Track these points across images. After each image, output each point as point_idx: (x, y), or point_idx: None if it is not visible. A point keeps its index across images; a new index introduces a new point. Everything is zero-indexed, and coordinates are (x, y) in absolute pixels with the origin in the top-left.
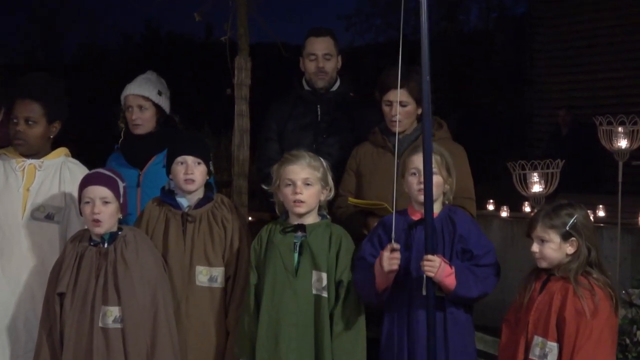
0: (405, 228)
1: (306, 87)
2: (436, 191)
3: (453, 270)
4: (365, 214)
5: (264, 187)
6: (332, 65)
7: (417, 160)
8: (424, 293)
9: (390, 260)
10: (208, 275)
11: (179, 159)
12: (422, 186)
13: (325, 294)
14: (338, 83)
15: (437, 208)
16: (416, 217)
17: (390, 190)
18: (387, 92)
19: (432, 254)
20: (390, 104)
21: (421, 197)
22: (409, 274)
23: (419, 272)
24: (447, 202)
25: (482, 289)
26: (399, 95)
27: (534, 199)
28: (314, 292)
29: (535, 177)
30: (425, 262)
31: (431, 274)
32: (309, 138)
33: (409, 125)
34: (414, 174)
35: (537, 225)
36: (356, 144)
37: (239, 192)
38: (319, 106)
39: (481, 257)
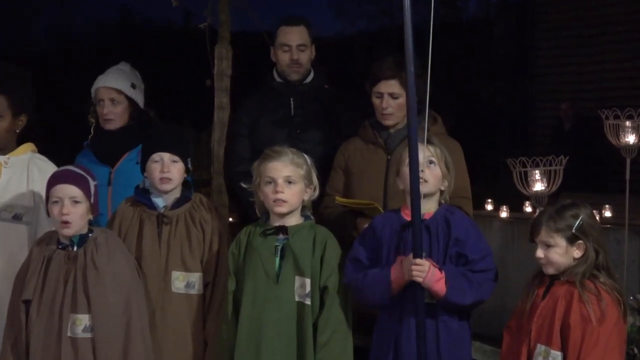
0: (397, 229)
1: (278, 79)
2: (435, 184)
3: (443, 275)
4: (354, 214)
5: (243, 185)
6: (306, 56)
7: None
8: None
9: (413, 268)
10: (185, 281)
11: (155, 156)
12: (420, 180)
13: (308, 301)
14: (312, 75)
15: (432, 207)
16: (409, 216)
17: (382, 189)
18: (377, 83)
19: (421, 257)
20: (381, 95)
21: (422, 190)
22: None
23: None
24: (443, 201)
25: (477, 296)
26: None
27: (536, 199)
28: (296, 299)
29: (537, 174)
30: (413, 267)
31: (419, 279)
32: (282, 133)
33: (401, 119)
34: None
35: (541, 229)
36: (336, 138)
37: (219, 191)
38: (292, 99)
39: (477, 262)
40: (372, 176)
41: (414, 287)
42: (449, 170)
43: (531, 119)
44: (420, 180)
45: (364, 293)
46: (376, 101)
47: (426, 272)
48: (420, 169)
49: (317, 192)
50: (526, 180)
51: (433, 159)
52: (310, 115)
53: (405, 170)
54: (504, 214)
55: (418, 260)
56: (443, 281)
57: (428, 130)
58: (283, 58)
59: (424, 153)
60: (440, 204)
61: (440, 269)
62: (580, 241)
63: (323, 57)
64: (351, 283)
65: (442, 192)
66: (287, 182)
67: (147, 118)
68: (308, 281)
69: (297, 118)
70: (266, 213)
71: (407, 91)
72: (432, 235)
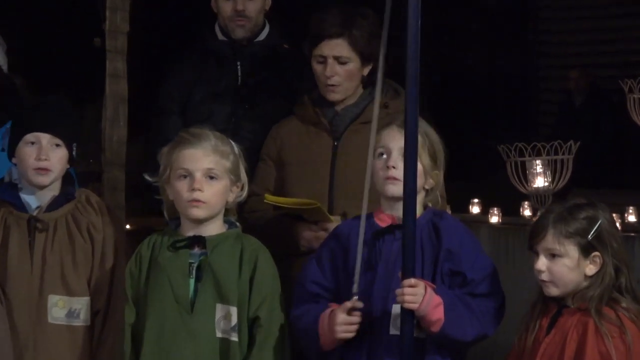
0: (368, 239)
1: (220, 37)
2: None
3: (442, 300)
4: (291, 219)
5: (147, 177)
6: (256, 6)
7: (388, 136)
8: (394, 332)
9: (347, 326)
10: (66, 309)
11: (29, 137)
12: (394, 172)
13: (235, 337)
14: (266, 31)
15: None
16: (385, 222)
17: (326, 185)
18: (319, 43)
19: (413, 276)
20: (323, 60)
21: (392, 190)
22: (371, 304)
23: (387, 303)
24: (429, 204)
25: (480, 329)
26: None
27: (537, 198)
28: (219, 334)
29: (538, 166)
30: (405, 290)
31: (413, 306)
32: (225, 110)
33: (351, 91)
34: (382, 155)
35: (546, 233)
36: None
37: (113, 188)
38: (239, 64)
39: (477, 283)
40: (313, 168)
41: (389, 316)
42: (436, 161)
43: (531, 93)
44: (390, 178)
45: (301, 341)
46: (318, 68)
47: (422, 295)
48: (392, 163)
49: (245, 192)
50: (524, 174)
51: None
52: (263, 85)
53: (375, 162)
54: (494, 218)
55: (411, 281)
56: (442, 308)
57: (385, 107)
58: (225, 7)
59: (384, 139)
60: (425, 207)
61: (436, 292)
62: (597, 253)
63: (282, 7)
64: (292, 320)
65: (428, 191)
66: (207, 177)
67: (11, 87)
68: (234, 310)
69: (245, 90)
70: (177, 218)
71: (407, 55)
72: (417, 247)
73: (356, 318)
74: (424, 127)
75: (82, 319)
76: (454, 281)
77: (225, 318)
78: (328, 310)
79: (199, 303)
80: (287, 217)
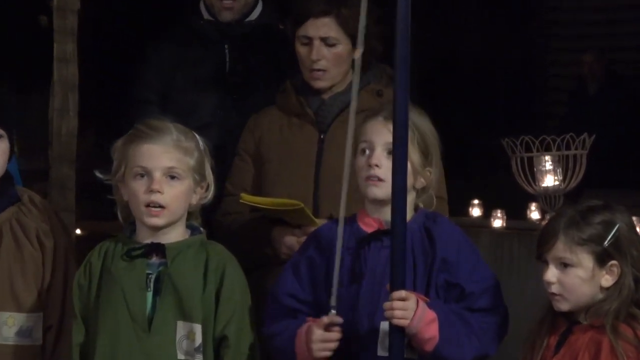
0: (352, 246)
1: (206, 16)
2: None
3: (436, 315)
4: (269, 222)
5: (98, 174)
6: None
7: (372, 130)
8: (382, 353)
9: (324, 343)
10: (17, 327)
11: None
12: (377, 171)
13: (200, 359)
14: (259, 9)
15: None
16: (371, 227)
17: (311, 184)
18: (303, 23)
19: (403, 288)
20: (309, 41)
21: (374, 192)
22: (356, 321)
23: (374, 319)
24: (421, 205)
25: (480, 348)
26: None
27: (546, 199)
28: (180, 356)
29: (547, 162)
30: (394, 304)
31: (404, 323)
32: (210, 101)
33: (340, 78)
34: (365, 151)
35: (557, 239)
36: None
37: (61, 187)
38: (227, 47)
39: (477, 297)
40: (297, 165)
41: (376, 335)
42: (427, 156)
43: (539, 79)
44: (373, 179)
45: (276, 353)
46: (302, 50)
47: (414, 310)
48: (374, 162)
49: (211, 193)
50: (531, 172)
51: None
52: (254, 72)
53: (358, 159)
54: (497, 222)
55: (402, 293)
56: (436, 324)
57: (379, 96)
58: None
59: (376, 135)
60: (417, 208)
61: (430, 306)
62: (614, 262)
63: None
64: (266, 338)
65: (420, 191)
66: (167, 177)
67: None
68: (198, 328)
69: (233, 77)
70: (132, 223)
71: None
72: (407, 254)
73: (334, 334)
74: (412, 117)
75: (33, 338)
76: (450, 294)
77: (188, 337)
78: (306, 326)
79: (158, 320)
80: (265, 220)
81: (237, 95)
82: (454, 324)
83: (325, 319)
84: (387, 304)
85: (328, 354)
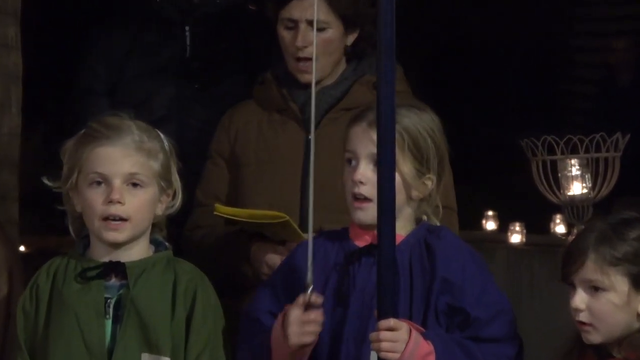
0: (341, 262)
1: None
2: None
3: (432, 348)
4: (248, 237)
5: (46, 181)
6: None
7: (355, 137)
8: None
9: (302, 325)
10: None
11: None
12: (362, 189)
13: None
14: None
15: (399, 227)
16: (362, 241)
17: (297, 191)
18: (288, 2)
19: (392, 315)
20: (293, 25)
21: (360, 216)
22: (341, 350)
23: (362, 348)
24: (425, 217)
25: None
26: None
27: (573, 210)
28: None
29: (574, 167)
30: (382, 334)
31: (393, 357)
32: (168, 90)
33: (329, 68)
34: (350, 161)
35: (586, 258)
36: None
37: (2, 198)
38: (188, 29)
39: (484, 324)
40: (279, 170)
41: None
42: (424, 163)
43: (563, 69)
44: (359, 197)
45: None
46: (286, 35)
47: (405, 342)
48: (358, 178)
49: (178, 202)
50: (555, 178)
51: None
52: (219, 58)
53: (346, 170)
54: (515, 237)
55: (390, 323)
56: (433, 359)
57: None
58: None
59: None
60: (418, 221)
61: (426, 338)
62: None
63: None
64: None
65: (421, 201)
66: (129, 185)
67: None
68: None
69: (195, 63)
70: (86, 237)
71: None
72: (402, 275)
73: (315, 315)
74: (403, 117)
75: None
76: (453, 320)
77: None
78: (281, 314)
79: (119, 353)
80: (243, 235)
81: (199, 84)
82: (455, 358)
83: (301, 298)
84: (373, 335)
85: (308, 339)
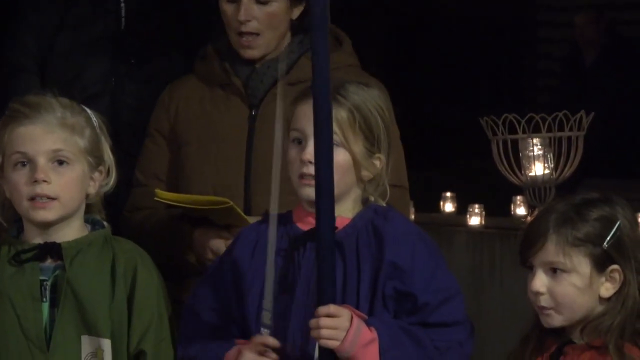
0: (285, 247)
1: None
2: (339, 180)
3: (376, 335)
4: (191, 222)
5: None
6: None
7: (303, 115)
8: None
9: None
10: None
11: None
12: (311, 168)
13: None
14: None
15: (346, 210)
16: (306, 224)
17: (241, 173)
18: None
19: (332, 301)
20: None
21: (309, 192)
22: (287, 341)
23: (309, 339)
24: (371, 198)
25: None
26: None
27: (534, 191)
28: None
29: (536, 146)
30: (321, 321)
31: (333, 344)
32: (101, 66)
33: (274, 43)
34: (297, 141)
35: (546, 240)
36: None
37: None
38: (122, 2)
39: (433, 309)
40: (222, 149)
41: (308, 353)
42: (373, 142)
43: (526, 45)
44: (307, 178)
45: None
46: (227, 9)
47: (345, 329)
48: (307, 157)
49: (113, 178)
50: (516, 158)
51: (335, 133)
52: (155, 32)
53: (290, 150)
54: (474, 219)
55: (330, 309)
56: (376, 346)
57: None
58: None
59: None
60: (365, 202)
61: (369, 325)
62: (615, 266)
63: None
64: None
65: (368, 182)
66: (54, 163)
67: None
68: (107, 344)
69: (130, 38)
70: (18, 221)
71: None
72: (348, 259)
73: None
74: (353, 94)
75: None
76: (402, 306)
77: (96, 355)
78: (234, 350)
79: (58, 337)
80: (186, 219)
81: (134, 58)
82: (401, 344)
83: (258, 339)
84: (313, 322)
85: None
